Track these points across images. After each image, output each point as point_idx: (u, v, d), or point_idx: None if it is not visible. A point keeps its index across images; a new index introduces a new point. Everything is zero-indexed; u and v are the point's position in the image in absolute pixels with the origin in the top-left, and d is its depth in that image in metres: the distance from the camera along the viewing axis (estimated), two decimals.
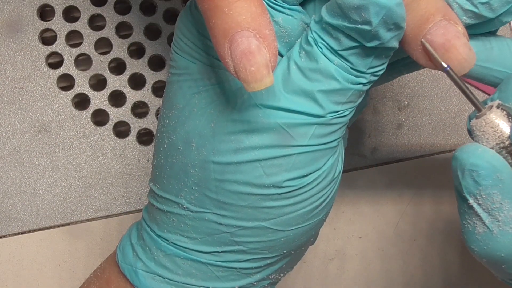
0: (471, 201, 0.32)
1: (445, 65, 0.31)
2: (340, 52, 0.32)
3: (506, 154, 0.32)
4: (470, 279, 0.51)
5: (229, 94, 0.34)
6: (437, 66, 0.32)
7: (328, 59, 0.32)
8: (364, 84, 0.33)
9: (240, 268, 0.36)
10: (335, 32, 0.32)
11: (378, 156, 0.52)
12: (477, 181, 0.31)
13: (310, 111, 0.33)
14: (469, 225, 0.33)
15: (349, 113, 0.34)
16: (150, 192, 0.38)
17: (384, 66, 0.33)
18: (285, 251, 0.36)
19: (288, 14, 0.33)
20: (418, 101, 0.52)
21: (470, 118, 0.34)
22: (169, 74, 0.36)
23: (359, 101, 0.34)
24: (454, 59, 0.31)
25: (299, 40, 0.33)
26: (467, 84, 0.32)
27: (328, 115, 0.33)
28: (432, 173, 0.51)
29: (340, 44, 0.32)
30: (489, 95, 0.52)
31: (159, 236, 0.37)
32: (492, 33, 0.35)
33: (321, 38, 0.32)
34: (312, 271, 0.51)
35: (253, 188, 0.34)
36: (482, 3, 0.32)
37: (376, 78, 0.33)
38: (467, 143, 0.33)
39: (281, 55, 0.34)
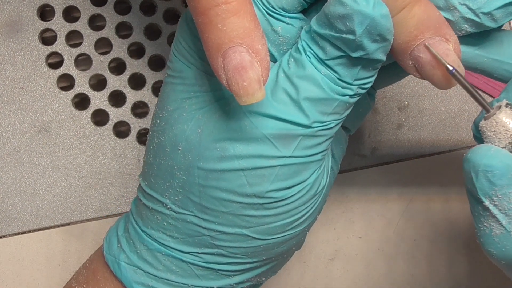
0: (486, 202, 0.32)
1: (450, 68, 0.31)
2: (326, 62, 0.32)
3: None
4: (470, 278, 0.51)
5: (219, 102, 0.34)
6: (432, 76, 0.32)
7: (315, 68, 0.32)
8: (350, 96, 0.33)
9: (219, 270, 0.37)
10: (322, 41, 0.32)
11: (378, 156, 0.51)
12: (492, 181, 0.31)
13: (295, 120, 0.33)
14: (485, 228, 0.32)
15: (334, 125, 0.34)
16: (139, 187, 0.39)
17: (372, 79, 0.33)
18: (264, 258, 0.37)
19: (288, 23, 0.33)
20: (418, 101, 0.52)
21: (475, 123, 0.34)
22: (166, 74, 0.37)
23: (346, 113, 0.34)
24: (441, 75, 0.32)
25: (290, 50, 0.33)
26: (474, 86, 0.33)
27: (313, 125, 0.33)
28: (432, 173, 0.51)
29: (326, 54, 0.32)
30: (492, 96, 0.52)
31: (143, 230, 0.38)
32: (498, 28, 0.35)
33: (309, 47, 0.32)
34: (312, 271, 0.51)
35: (235, 196, 0.34)
36: (484, 13, 0.32)
37: (363, 91, 0.33)
38: (477, 145, 0.32)
39: None
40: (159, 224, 0.37)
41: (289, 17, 0.33)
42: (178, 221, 0.36)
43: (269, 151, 0.33)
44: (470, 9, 0.32)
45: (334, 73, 0.32)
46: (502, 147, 0.32)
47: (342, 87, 0.33)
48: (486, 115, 0.32)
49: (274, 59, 0.34)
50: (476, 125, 0.34)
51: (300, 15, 0.34)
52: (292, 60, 0.33)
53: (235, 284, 0.38)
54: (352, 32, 0.31)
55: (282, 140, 0.33)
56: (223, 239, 0.35)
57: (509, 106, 0.32)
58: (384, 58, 0.32)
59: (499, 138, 0.32)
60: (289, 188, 0.34)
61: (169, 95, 0.36)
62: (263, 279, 0.40)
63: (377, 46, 0.31)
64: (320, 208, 0.38)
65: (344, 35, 0.31)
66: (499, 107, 0.32)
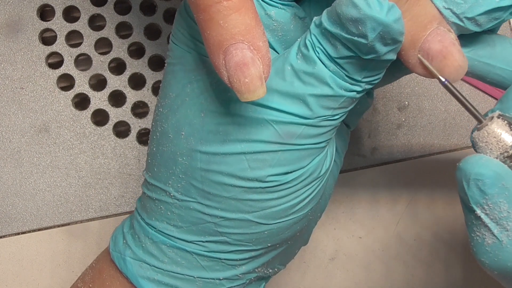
0: (478, 211, 0.32)
1: (443, 79, 0.31)
2: (336, 60, 0.32)
3: (511, 163, 0.32)
4: (470, 279, 0.51)
5: (221, 85, 0.34)
6: (432, 75, 0.32)
7: (324, 64, 0.32)
8: (358, 92, 0.33)
9: (224, 259, 0.37)
10: (333, 39, 0.32)
11: (378, 156, 0.52)
12: (483, 190, 0.31)
13: (299, 113, 0.33)
14: (477, 237, 0.32)
15: (340, 117, 0.34)
16: (143, 181, 0.39)
17: (381, 75, 0.33)
18: (269, 244, 0.37)
19: (280, 8, 0.34)
20: (418, 101, 0.52)
21: (473, 131, 0.34)
22: (166, 64, 0.37)
23: (351, 106, 0.34)
24: (451, 65, 0.31)
25: (298, 41, 0.33)
26: (466, 97, 0.33)
27: (316, 119, 0.33)
28: (432, 173, 0.51)
29: (337, 52, 0.32)
30: (493, 97, 0.52)
31: (147, 223, 0.38)
32: (493, 32, 0.35)
33: (319, 43, 0.32)
34: (312, 271, 0.51)
35: (237, 180, 0.34)
36: (468, 18, 0.32)
37: (371, 86, 0.33)
38: (470, 152, 0.32)
39: (275, 50, 0.35)
40: (163, 215, 0.37)
41: (282, 4, 0.34)
42: (182, 209, 0.36)
43: (271, 137, 0.33)
44: (454, 13, 0.32)
45: (343, 71, 0.32)
46: (494, 158, 0.32)
47: (351, 84, 0.33)
48: (478, 126, 0.33)
49: (270, 46, 0.34)
50: (473, 133, 0.34)
51: (293, 3, 0.34)
52: (301, 54, 0.33)
53: (242, 274, 0.38)
54: (365, 37, 0.30)
55: (285, 127, 0.33)
56: (227, 225, 0.35)
57: (502, 117, 0.32)
58: (395, 57, 0.32)
59: (490, 149, 0.32)
60: (289, 172, 0.34)
61: (171, 82, 0.36)
62: (270, 270, 0.39)
63: (389, 49, 0.31)
64: (324, 197, 0.38)
65: (356, 38, 0.31)
66: (492, 118, 0.32)
